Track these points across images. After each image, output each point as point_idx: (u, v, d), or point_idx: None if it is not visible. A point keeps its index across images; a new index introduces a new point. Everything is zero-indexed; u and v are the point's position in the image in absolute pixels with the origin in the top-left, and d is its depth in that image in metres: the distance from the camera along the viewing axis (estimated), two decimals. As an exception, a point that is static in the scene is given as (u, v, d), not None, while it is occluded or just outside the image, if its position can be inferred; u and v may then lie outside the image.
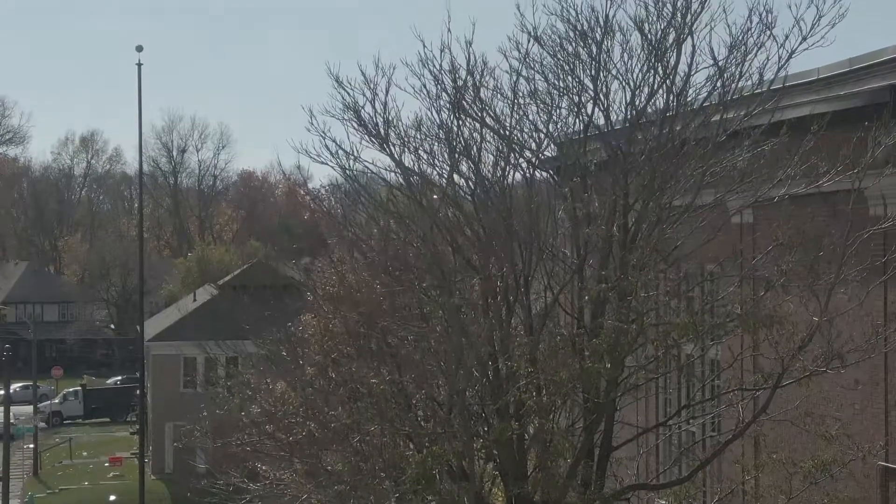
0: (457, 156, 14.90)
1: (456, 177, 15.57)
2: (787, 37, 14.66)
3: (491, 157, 15.60)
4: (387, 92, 15.51)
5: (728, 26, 14.96)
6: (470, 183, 15.26)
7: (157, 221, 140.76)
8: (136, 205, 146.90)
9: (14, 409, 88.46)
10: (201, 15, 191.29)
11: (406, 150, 15.66)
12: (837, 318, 14.20)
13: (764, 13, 14.80)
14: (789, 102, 16.44)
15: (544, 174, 16.08)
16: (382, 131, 15.69)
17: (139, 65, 39.88)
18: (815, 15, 14.53)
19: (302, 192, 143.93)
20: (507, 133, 14.96)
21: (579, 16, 15.06)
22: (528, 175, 15.43)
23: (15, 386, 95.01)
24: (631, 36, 15.08)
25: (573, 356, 13.13)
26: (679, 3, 14.88)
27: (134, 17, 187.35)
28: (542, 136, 15.33)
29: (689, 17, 14.85)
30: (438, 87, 15.30)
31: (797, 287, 14.10)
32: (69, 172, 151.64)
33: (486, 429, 14.17)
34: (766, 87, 14.90)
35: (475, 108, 15.02)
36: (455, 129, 15.19)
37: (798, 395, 14.95)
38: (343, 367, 13.65)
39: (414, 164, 15.81)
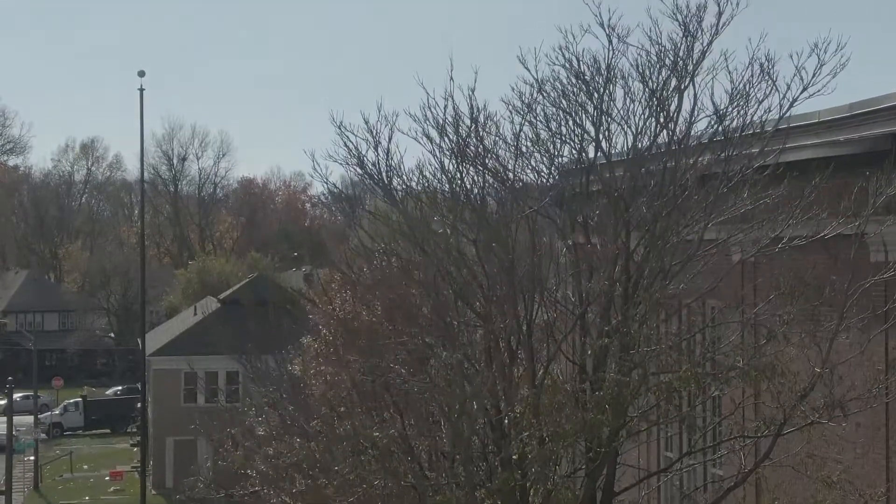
0: (460, 204, 14.97)
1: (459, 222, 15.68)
2: (788, 86, 14.77)
3: (494, 202, 15.78)
4: (389, 139, 15.63)
5: (729, 73, 15.07)
6: (473, 229, 15.35)
7: (158, 229, 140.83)
8: (137, 211, 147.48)
9: (15, 419, 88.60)
10: (201, 20, 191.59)
11: (409, 197, 15.77)
12: (838, 364, 14.29)
13: (765, 62, 14.91)
14: (790, 145, 16.50)
15: (548, 215, 16.15)
16: (385, 178, 15.80)
17: (141, 90, 39.95)
18: (817, 63, 14.62)
19: (302, 197, 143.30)
20: (511, 180, 15.04)
21: (580, 62, 15.16)
22: (531, 221, 15.45)
23: (15, 396, 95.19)
24: (633, 84, 15.20)
25: (576, 409, 13.20)
26: (681, 51, 14.97)
27: (134, 24, 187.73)
28: (544, 181, 15.45)
29: (690, 64, 14.95)
30: (441, 134, 15.41)
31: (798, 334, 14.18)
32: (69, 179, 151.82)
33: (488, 478, 14.23)
34: (769, 132, 14.99)
35: (478, 156, 15.11)
36: (458, 176, 15.28)
37: (799, 439, 15.00)
38: (347, 421, 13.71)
39: (416, 210, 15.92)
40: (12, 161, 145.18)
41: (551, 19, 15.25)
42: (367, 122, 15.16)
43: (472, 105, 15.32)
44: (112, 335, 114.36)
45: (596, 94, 14.74)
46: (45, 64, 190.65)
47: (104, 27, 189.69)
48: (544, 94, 14.77)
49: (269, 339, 57.38)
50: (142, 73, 40.92)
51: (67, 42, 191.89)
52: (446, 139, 15.50)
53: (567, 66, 14.66)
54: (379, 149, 15.40)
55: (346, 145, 15.56)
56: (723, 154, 14.62)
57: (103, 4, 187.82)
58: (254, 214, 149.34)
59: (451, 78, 15.21)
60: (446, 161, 15.59)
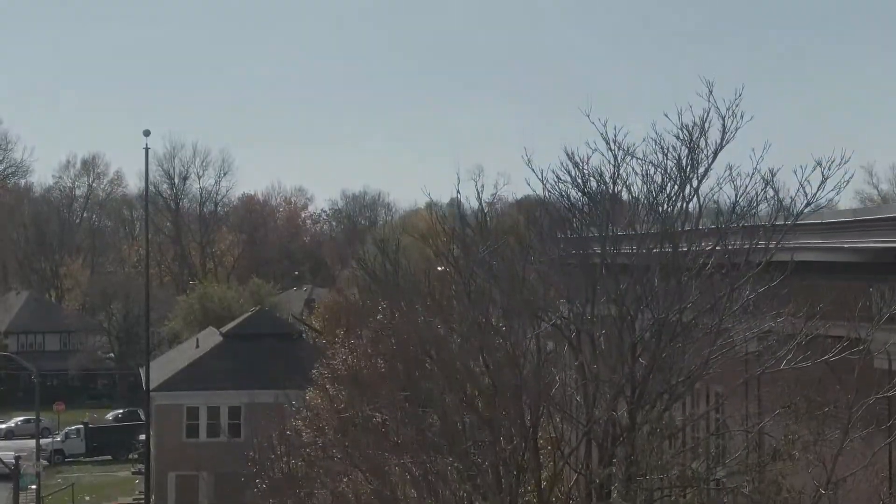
0: (471, 316, 15.12)
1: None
2: (792, 199, 14.96)
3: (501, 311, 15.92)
4: (397, 248, 15.79)
5: (733, 178, 15.27)
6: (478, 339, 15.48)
7: (159, 248, 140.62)
8: (139, 228, 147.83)
9: (17, 443, 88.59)
10: (202, 35, 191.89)
11: (416, 306, 15.92)
12: (842, 478, 14.41)
13: (768, 175, 15.09)
14: (794, 244, 16.67)
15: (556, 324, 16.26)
16: (392, 286, 15.98)
17: (146, 149, 40.19)
18: (821, 179, 14.79)
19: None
20: (519, 294, 15.18)
21: (584, 166, 15.33)
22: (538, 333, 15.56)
23: (17, 419, 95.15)
24: (637, 191, 15.40)
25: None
26: (686, 165, 15.13)
27: (135, 41, 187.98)
28: (552, 293, 15.59)
29: (695, 179, 15.13)
30: (449, 243, 15.59)
31: (802, 448, 14.31)
32: (70, 195, 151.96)
33: None
34: (772, 250, 15.14)
35: (488, 272, 15.28)
36: (468, 289, 15.44)
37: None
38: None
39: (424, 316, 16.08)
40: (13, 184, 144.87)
41: (560, 134, 15.48)
42: (379, 243, 15.36)
43: (479, 216, 15.53)
44: (112, 354, 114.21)
45: (602, 211, 14.91)
46: (46, 80, 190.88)
47: (106, 44, 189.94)
48: (550, 212, 14.95)
49: (270, 374, 57.57)
50: (147, 133, 41.23)
51: (69, 58, 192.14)
52: (455, 247, 15.71)
53: (574, 185, 14.85)
54: (387, 261, 15.59)
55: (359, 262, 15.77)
56: (725, 271, 14.78)
57: (105, 22, 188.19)
58: (255, 231, 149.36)
59: (458, 191, 15.44)
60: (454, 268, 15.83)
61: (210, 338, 62.75)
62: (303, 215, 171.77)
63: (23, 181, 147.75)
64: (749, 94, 15.26)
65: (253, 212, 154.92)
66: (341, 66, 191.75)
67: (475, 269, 15.03)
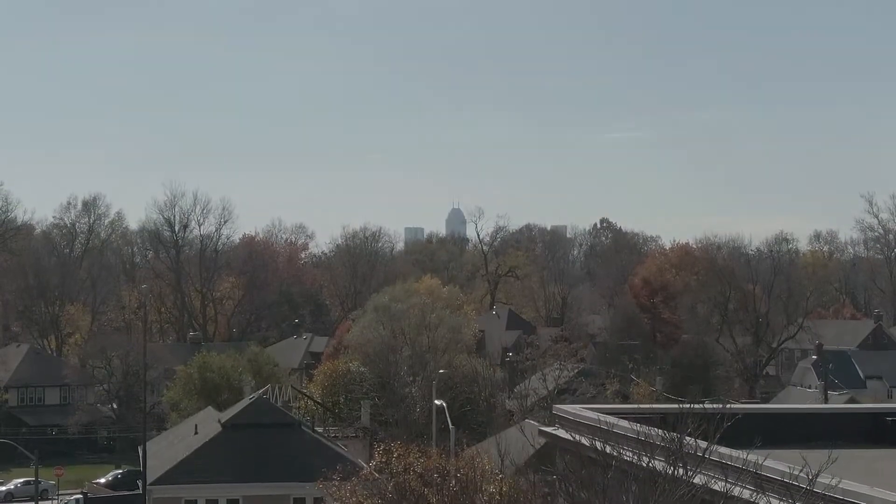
0: None
1: None
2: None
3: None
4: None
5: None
6: None
7: (159, 294, 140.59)
8: (140, 264, 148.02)
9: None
10: (201, 73, 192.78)
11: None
12: None
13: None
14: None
15: None
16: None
17: (144, 304, 40.40)
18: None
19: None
20: None
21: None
22: None
23: (17, 482, 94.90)
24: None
25: None
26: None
27: (139, 77, 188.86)
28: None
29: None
30: None
31: None
32: (71, 234, 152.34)
33: None
34: None
35: None
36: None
37: None
38: None
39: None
40: (13, 244, 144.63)
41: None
42: None
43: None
44: (114, 406, 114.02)
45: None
46: (47, 119, 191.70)
47: (107, 86, 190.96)
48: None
49: (269, 466, 57.53)
50: (145, 289, 41.48)
51: (69, 98, 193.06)
52: None
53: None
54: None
55: None
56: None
57: (105, 63, 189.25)
58: (255, 273, 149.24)
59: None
60: None
61: (209, 424, 62.70)
62: (303, 256, 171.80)
63: (25, 242, 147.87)
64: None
65: (254, 253, 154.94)
66: (340, 83, 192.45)
67: None
